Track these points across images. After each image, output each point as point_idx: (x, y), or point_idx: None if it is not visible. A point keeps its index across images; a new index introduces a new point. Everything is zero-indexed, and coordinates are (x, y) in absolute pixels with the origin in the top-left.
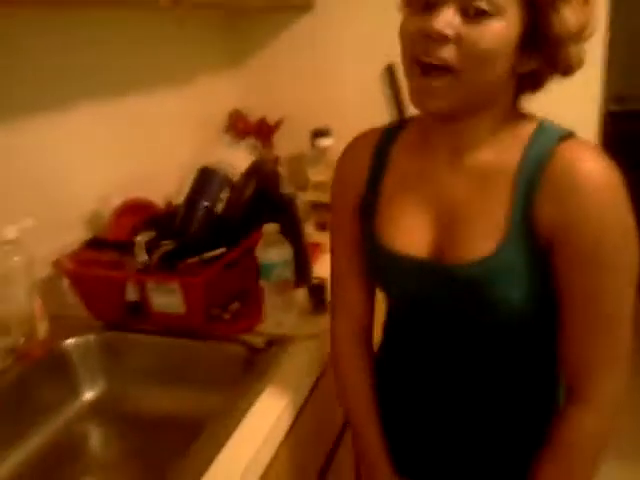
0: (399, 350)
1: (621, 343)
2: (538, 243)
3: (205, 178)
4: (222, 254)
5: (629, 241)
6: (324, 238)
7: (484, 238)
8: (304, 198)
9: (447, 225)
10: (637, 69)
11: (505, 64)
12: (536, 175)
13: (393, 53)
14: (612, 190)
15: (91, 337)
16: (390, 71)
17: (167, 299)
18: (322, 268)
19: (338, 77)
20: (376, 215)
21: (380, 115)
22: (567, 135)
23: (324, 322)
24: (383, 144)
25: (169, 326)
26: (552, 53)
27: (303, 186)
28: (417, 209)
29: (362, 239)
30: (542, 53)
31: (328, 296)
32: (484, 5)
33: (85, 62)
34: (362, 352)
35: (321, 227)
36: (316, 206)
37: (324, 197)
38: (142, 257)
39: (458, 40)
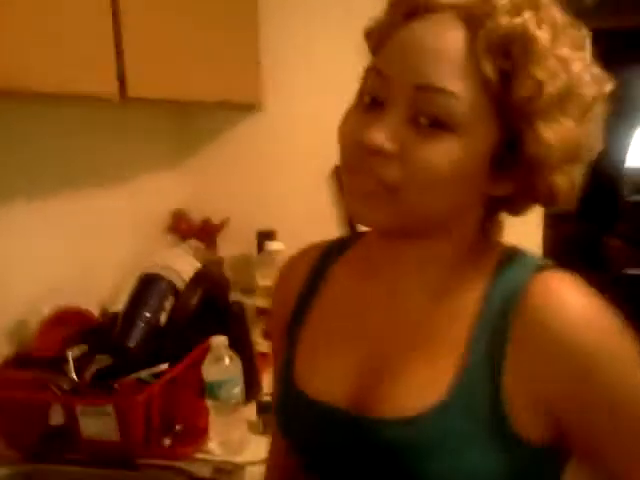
0: None
1: None
2: (503, 403)
3: (146, 286)
4: (164, 371)
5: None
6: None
7: (422, 391)
8: (250, 303)
9: (377, 370)
10: None
11: (464, 188)
12: (503, 318)
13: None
14: (607, 331)
15: (7, 470)
16: (337, 173)
17: (99, 423)
18: (272, 382)
19: (284, 178)
20: (297, 346)
21: (327, 218)
22: (541, 266)
23: None
24: (321, 263)
25: (100, 455)
26: (528, 179)
27: (249, 290)
28: (344, 345)
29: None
30: (517, 178)
31: None
32: (441, 115)
33: (23, 157)
34: None
35: (268, 335)
36: (263, 312)
37: None
38: (72, 375)
39: (401, 156)
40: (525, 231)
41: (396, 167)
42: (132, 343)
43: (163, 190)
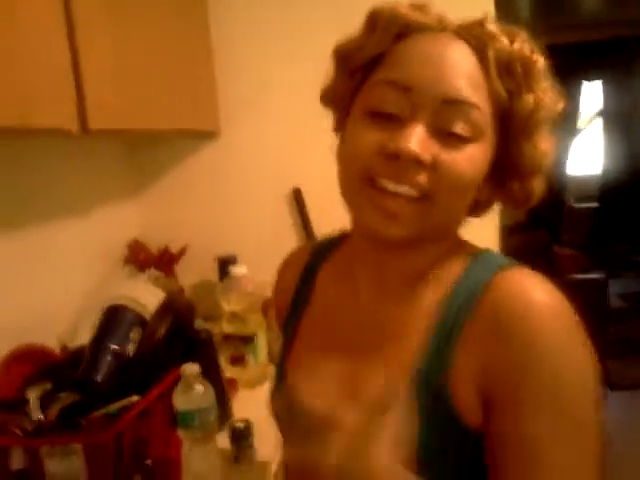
0: None
1: None
2: (453, 405)
3: (112, 318)
4: (134, 403)
5: (586, 388)
6: (239, 373)
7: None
8: (215, 330)
9: (351, 371)
10: None
11: (474, 191)
12: (463, 311)
13: (298, 178)
14: (564, 327)
15: None
16: (296, 195)
17: (66, 464)
18: (241, 407)
19: (243, 203)
20: (292, 343)
21: (287, 240)
22: (506, 265)
23: (251, 474)
24: (310, 265)
25: None
26: (515, 185)
27: (212, 317)
28: (326, 347)
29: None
30: (503, 185)
31: (255, 441)
32: (462, 130)
33: None
34: None
35: (235, 361)
36: (228, 338)
37: (239, 328)
38: (36, 415)
39: (434, 165)
40: (482, 242)
41: (429, 176)
42: (99, 376)
43: (120, 220)
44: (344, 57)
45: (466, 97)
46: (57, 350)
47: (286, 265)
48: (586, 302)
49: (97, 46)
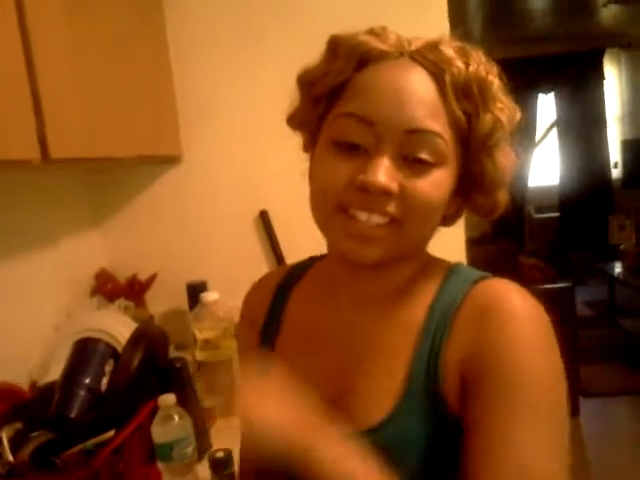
0: None
1: None
2: (443, 406)
3: (84, 351)
4: (110, 438)
5: (554, 386)
6: (216, 401)
7: (380, 400)
8: (189, 358)
9: (340, 387)
10: None
11: (443, 211)
12: (446, 322)
13: (264, 200)
14: (541, 329)
15: None
16: (264, 217)
17: None
18: (221, 436)
19: (210, 228)
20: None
21: (256, 263)
22: (482, 277)
23: None
24: (284, 287)
25: None
26: (480, 199)
27: (183, 345)
28: (312, 367)
29: None
30: (469, 198)
31: (235, 470)
32: (427, 156)
33: None
34: None
35: (211, 389)
36: (204, 365)
37: (213, 356)
38: (7, 457)
39: (402, 193)
40: (449, 253)
41: (397, 203)
42: (73, 413)
43: (86, 251)
44: (308, 85)
45: (428, 127)
46: (26, 387)
47: (254, 294)
48: (554, 311)
49: (56, 76)
